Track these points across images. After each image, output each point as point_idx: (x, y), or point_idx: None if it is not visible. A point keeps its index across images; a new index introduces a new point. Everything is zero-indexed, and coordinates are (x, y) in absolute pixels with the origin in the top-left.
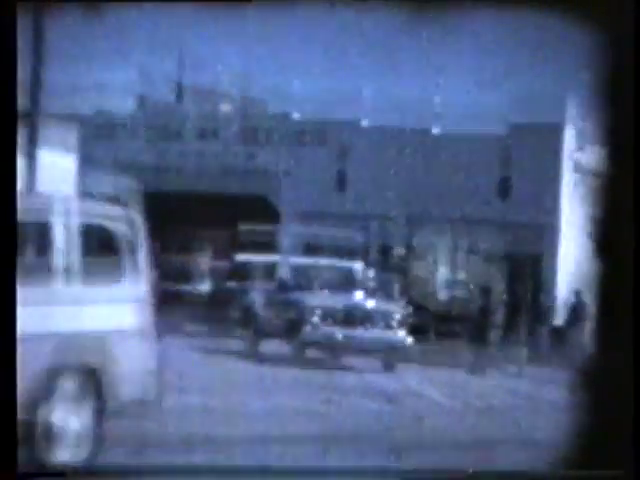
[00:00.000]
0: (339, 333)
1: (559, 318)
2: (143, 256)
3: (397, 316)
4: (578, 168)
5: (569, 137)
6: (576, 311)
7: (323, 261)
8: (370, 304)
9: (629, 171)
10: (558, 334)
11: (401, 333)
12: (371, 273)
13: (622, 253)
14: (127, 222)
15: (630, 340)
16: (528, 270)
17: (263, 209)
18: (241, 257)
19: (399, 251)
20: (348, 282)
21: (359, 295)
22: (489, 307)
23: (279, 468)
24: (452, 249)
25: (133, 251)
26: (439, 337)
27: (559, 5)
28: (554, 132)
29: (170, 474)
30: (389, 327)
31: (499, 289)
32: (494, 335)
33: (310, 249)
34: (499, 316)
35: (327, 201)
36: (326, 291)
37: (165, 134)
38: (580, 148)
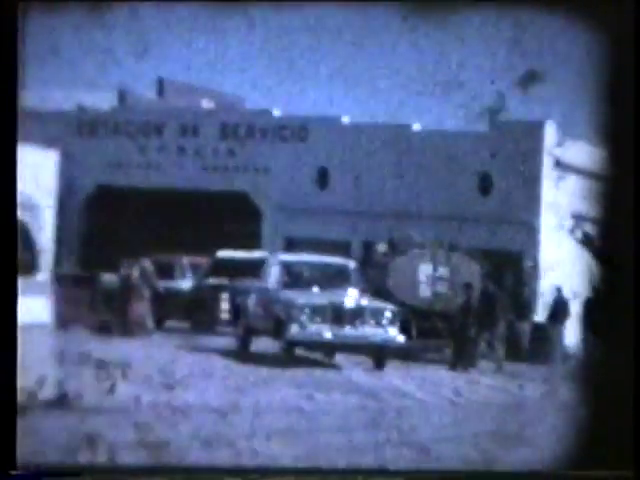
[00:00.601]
0: (327, 332)
1: (540, 314)
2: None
3: (388, 314)
4: (559, 164)
5: (549, 133)
6: (557, 307)
7: (315, 258)
8: (361, 302)
9: (629, 172)
10: (539, 330)
11: (392, 332)
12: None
13: (622, 255)
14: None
15: (630, 340)
16: (509, 266)
17: (243, 205)
18: (223, 253)
19: (380, 247)
20: (342, 280)
21: (352, 293)
22: (470, 303)
23: (279, 468)
24: (433, 245)
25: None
26: (420, 333)
27: (559, 4)
28: (534, 128)
29: (168, 474)
30: (380, 325)
31: (480, 285)
32: (475, 331)
33: (293, 245)
34: (480, 312)
35: (308, 198)
36: (316, 289)
37: (145, 130)
38: (560, 144)
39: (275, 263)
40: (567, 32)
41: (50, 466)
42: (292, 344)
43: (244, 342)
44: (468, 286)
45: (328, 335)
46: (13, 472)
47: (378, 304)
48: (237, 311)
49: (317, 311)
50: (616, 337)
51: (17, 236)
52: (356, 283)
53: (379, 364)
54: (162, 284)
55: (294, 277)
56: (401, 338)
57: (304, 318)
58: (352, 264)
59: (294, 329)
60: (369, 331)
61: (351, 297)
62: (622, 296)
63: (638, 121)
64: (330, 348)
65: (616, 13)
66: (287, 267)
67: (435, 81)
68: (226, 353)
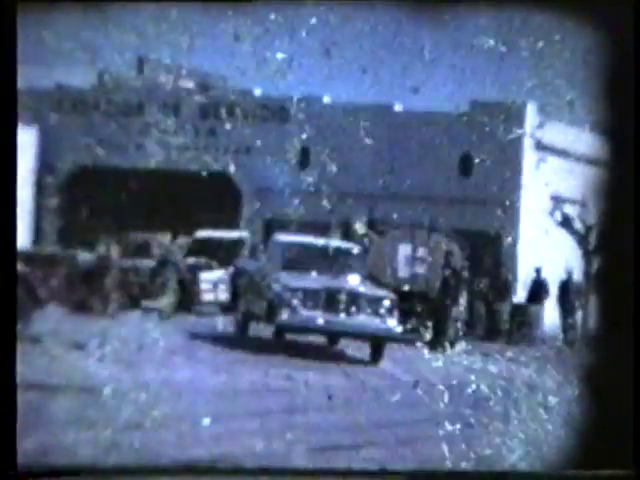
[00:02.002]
0: (320, 318)
1: (519, 295)
2: None
3: (387, 303)
4: (539, 146)
5: (530, 115)
6: (536, 288)
7: (316, 240)
8: (359, 289)
9: (629, 172)
10: (518, 311)
11: (391, 322)
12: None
13: (622, 251)
14: None
15: (630, 340)
16: (489, 247)
17: (224, 185)
18: (202, 233)
19: (360, 228)
20: (343, 265)
21: (353, 279)
22: (450, 284)
23: (278, 468)
24: (413, 226)
25: None
26: (399, 314)
27: (559, 4)
28: (515, 110)
29: (166, 474)
30: (377, 315)
31: (460, 266)
32: (454, 312)
33: (272, 226)
34: (460, 293)
35: (289, 178)
36: (314, 273)
37: (125, 109)
38: (541, 125)
39: (273, 244)
40: (567, 32)
41: (50, 466)
42: (283, 329)
43: (242, 326)
44: (447, 267)
45: (320, 322)
46: (13, 472)
47: (376, 292)
48: (235, 293)
49: (310, 296)
50: (616, 337)
51: (16, 237)
52: (359, 269)
53: (375, 355)
54: (141, 263)
55: (292, 259)
56: (399, 329)
57: (296, 303)
58: (356, 249)
59: (285, 314)
60: (365, 320)
61: (349, 283)
62: (622, 296)
63: (638, 120)
64: (324, 335)
65: (616, 13)
66: (285, 249)
67: (423, 62)
68: (206, 332)
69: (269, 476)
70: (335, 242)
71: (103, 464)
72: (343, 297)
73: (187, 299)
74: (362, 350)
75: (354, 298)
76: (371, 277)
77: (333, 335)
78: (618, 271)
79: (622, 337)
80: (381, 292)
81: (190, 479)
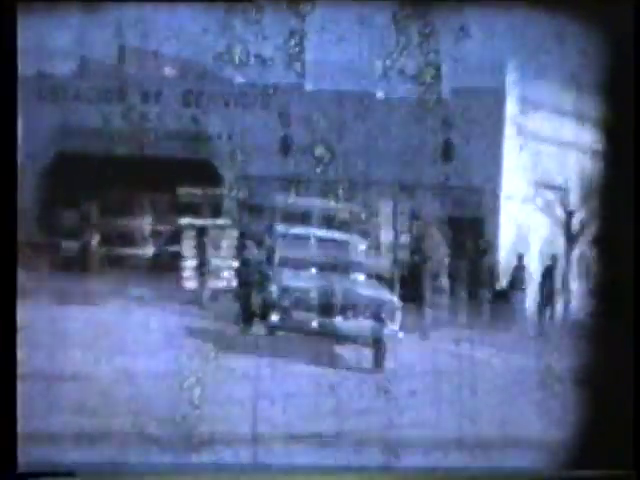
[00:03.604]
0: (314, 321)
1: (501, 282)
2: None
3: (388, 306)
4: (521, 132)
5: (512, 100)
6: (517, 274)
7: (320, 233)
8: (359, 290)
9: (629, 172)
10: (500, 297)
11: (393, 326)
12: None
13: (622, 252)
14: None
15: (630, 339)
16: (470, 233)
17: (205, 173)
18: (184, 220)
19: (342, 215)
20: (348, 261)
21: (358, 278)
22: (432, 270)
23: (278, 467)
24: (395, 212)
25: None
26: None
27: (559, 4)
28: (497, 95)
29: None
30: (377, 319)
31: (442, 252)
32: (436, 298)
33: (254, 213)
34: (442, 279)
35: (270, 165)
36: (313, 269)
37: (107, 96)
38: (523, 112)
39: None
40: (567, 32)
41: (50, 466)
42: (274, 329)
43: (245, 320)
44: (429, 253)
45: (314, 324)
46: (13, 472)
47: (377, 294)
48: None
49: (302, 296)
50: (616, 337)
51: (17, 233)
52: (364, 265)
53: (377, 362)
54: (122, 251)
55: (292, 253)
56: (401, 334)
57: (287, 303)
58: (363, 244)
59: (275, 315)
60: (363, 323)
61: (348, 283)
62: (622, 296)
63: (638, 121)
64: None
65: (616, 13)
66: (285, 241)
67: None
68: (186, 319)
69: (268, 474)
70: (340, 235)
71: (103, 464)
72: (338, 298)
73: (170, 286)
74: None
75: (351, 299)
76: (378, 276)
77: (330, 337)
78: (618, 268)
79: (622, 337)
80: (383, 294)
81: (189, 478)
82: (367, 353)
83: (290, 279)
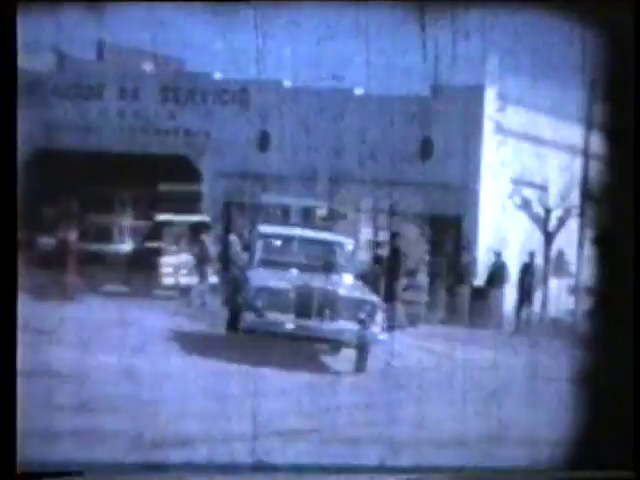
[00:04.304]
0: (289, 322)
1: (479, 278)
2: None
3: (369, 308)
4: (499, 129)
5: (490, 98)
6: (496, 272)
7: (305, 233)
8: (336, 290)
9: (629, 172)
10: (478, 294)
11: (375, 329)
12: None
13: (623, 253)
14: None
15: (630, 339)
16: (449, 231)
17: (184, 169)
18: (162, 217)
19: (321, 212)
20: (332, 262)
21: (344, 279)
22: (410, 267)
23: (277, 465)
24: (374, 210)
25: None
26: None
27: (559, 4)
28: (475, 93)
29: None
30: (356, 320)
31: (420, 249)
32: (415, 295)
33: (232, 210)
34: (420, 276)
35: (249, 162)
36: (294, 270)
37: (85, 92)
38: (502, 108)
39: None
40: (567, 32)
41: (50, 466)
42: (249, 332)
43: (230, 321)
44: (408, 250)
45: (290, 326)
46: (13, 472)
47: (356, 295)
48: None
49: (279, 297)
50: (616, 337)
51: (17, 233)
52: (351, 266)
53: (358, 364)
54: (101, 247)
55: (274, 253)
56: (384, 336)
57: (260, 304)
58: (350, 243)
59: (249, 316)
60: (342, 325)
61: (327, 283)
62: (622, 296)
63: (638, 121)
64: (296, 340)
65: (616, 13)
66: (266, 241)
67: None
68: (165, 317)
69: (268, 473)
70: (325, 235)
71: (103, 464)
72: (316, 299)
73: (148, 283)
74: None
75: (330, 300)
76: (364, 277)
77: (309, 340)
78: (618, 269)
79: (622, 337)
80: (364, 295)
81: (189, 478)
82: (348, 355)
83: (265, 279)
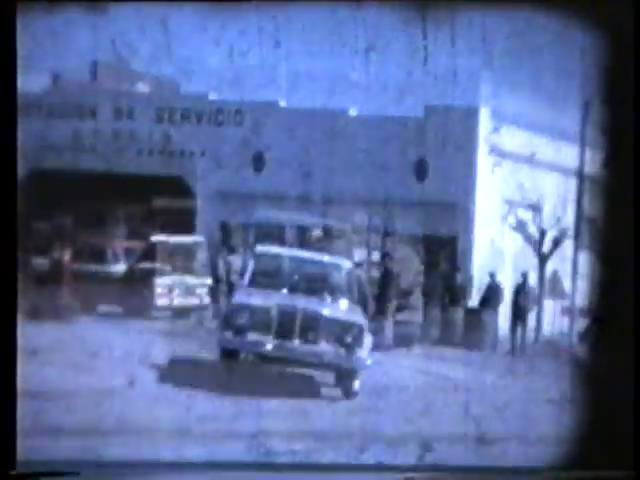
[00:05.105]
0: (269, 343)
1: (473, 299)
2: None
3: (355, 330)
4: (494, 150)
5: (484, 119)
6: (490, 293)
7: (299, 254)
8: (320, 310)
9: (629, 172)
10: (472, 315)
11: (362, 353)
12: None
13: (622, 255)
14: None
15: (630, 339)
16: (443, 251)
17: (178, 189)
18: (157, 238)
19: (315, 232)
20: (328, 283)
21: (339, 304)
22: (404, 288)
23: (277, 464)
24: (368, 230)
25: None
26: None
27: (559, 4)
28: (469, 114)
29: (164, 471)
30: (341, 344)
31: (414, 270)
32: (408, 315)
33: (227, 231)
34: (414, 296)
35: (244, 182)
36: (284, 290)
37: (79, 113)
38: (496, 129)
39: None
40: (567, 32)
41: (50, 466)
42: (228, 353)
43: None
44: (402, 270)
45: (269, 347)
46: (13, 472)
47: (341, 316)
48: None
49: (257, 316)
50: (616, 337)
51: (17, 238)
52: (347, 288)
53: (346, 391)
54: (95, 268)
55: (266, 274)
56: (370, 361)
57: (240, 322)
58: (346, 266)
59: (227, 335)
60: (325, 348)
61: (312, 304)
62: (621, 296)
63: (638, 121)
64: (276, 363)
65: (616, 13)
66: (259, 261)
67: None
68: (159, 337)
69: (268, 471)
70: (322, 257)
71: (102, 463)
72: (299, 319)
73: (142, 303)
74: None
75: (313, 321)
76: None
77: (283, 363)
78: (617, 274)
79: (622, 337)
80: (350, 317)
81: (188, 477)
82: (330, 379)
83: (248, 297)
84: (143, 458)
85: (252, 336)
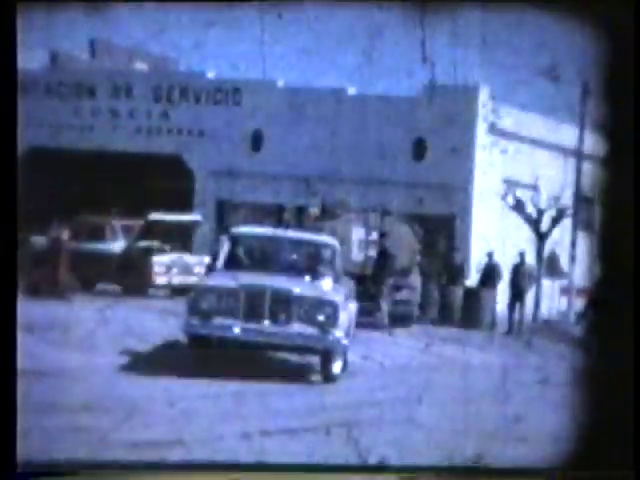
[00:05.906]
0: (236, 326)
1: (472, 279)
2: None
3: (328, 309)
4: (492, 129)
5: (484, 99)
6: (488, 272)
7: (278, 233)
8: (291, 289)
9: (629, 172)
10: (471, 295)
11: (338, 333)
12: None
13: (623, 255)
14: None
15: (630, 339)
16: (442, 231)
17: (176, 168)
18: (154, 216)
19: (313, 211)
20: (313, 262)
21: (324, 284)
22: (402, 267)
23: (277, 464)
24: (366, 210)
25: None
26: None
27: (559, 4)
28: (469, 93)
29: (165, 470)
30: (314, 324)
31: (413, 249)
32: (407, 295)
33: (225, 209)
34: (413, 276)
35: (242, 161)
36: (261, 272)
37: (78, 91)
38: (495, 110)
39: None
40: (567, 32)
41: (50, 465)
42: (197, 339)
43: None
44: (401, 250)
45: (237, 331)
46: (13, 472)
47: (313, 294)
48: None
49: (224, 299)
50: (616, 336)
51: (17, 233)
52: (332, 267)
53: (324, 373)
54: (93, 246)
55: (245, 255)
56: (346, 341)
57: (205, 306)
58: (331, 244)
59: (193, 320)
60: (298, 329)
61: (286, 282)
62: (622, 296)
63: (638, 121)
64: (246, 347)
65: (616, 13)
66: (237, 243)
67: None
68: (156, 316)
69: (267, 471)
70: (307, 236)
71: (102, 462)
72: (267, 300)
73: (140, 282)
74: None
75: (283, 301)
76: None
77: (254, 348)
78: (618, 270)
79: (622, 337)
80: (321, 295)
81: (187, 476)
82: (307, 361)
83: (214, 279)
84: (143, 458)
85: (218, 320)
